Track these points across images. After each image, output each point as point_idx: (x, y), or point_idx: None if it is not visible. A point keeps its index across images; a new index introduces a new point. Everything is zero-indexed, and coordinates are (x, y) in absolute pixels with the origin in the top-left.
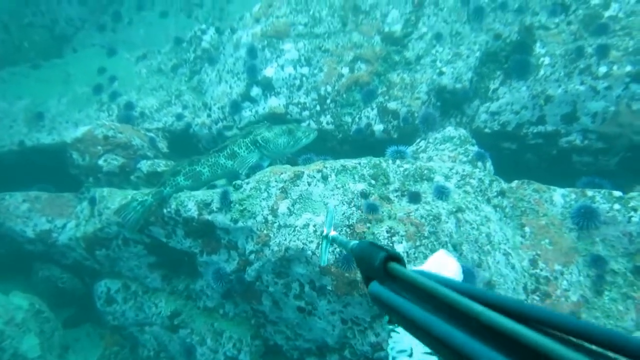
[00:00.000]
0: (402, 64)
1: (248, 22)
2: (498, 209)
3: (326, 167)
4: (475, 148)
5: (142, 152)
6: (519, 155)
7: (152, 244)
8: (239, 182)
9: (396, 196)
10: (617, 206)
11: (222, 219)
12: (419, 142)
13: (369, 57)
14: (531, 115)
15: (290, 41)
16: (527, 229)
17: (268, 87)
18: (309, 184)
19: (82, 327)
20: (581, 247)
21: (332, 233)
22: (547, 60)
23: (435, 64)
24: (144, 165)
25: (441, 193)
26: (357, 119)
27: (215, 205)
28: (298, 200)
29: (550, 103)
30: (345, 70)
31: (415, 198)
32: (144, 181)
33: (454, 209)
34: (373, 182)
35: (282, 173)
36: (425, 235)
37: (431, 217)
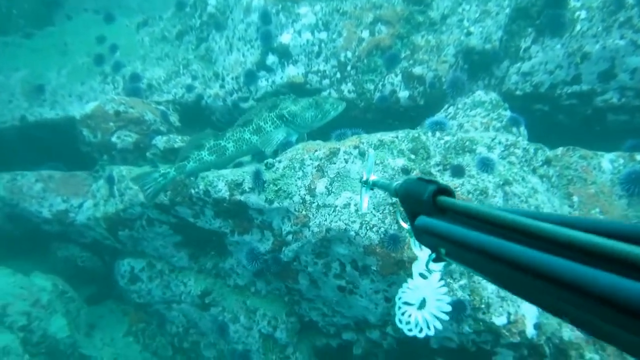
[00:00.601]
0: (426, 25)
1: None
2: (544, 179)
3: (362, 143)
4: (509, 113)
5: (155, 127)
6: (551, 117)
7: (178, 224)
8: (270, 160)
9: (438, 170)
10: None
11: (255, 199)
12: (447, 108)
13: (390, 18)
14: (566, 75)
15: (306, 4)
16: (575, 198)
17: (285, 55)
18: (346, 161)
19: (104, 304)
20: (632, 214)
21: (372, 177)
22: (583, 14)
23: (462, 23)
24: (160, 142)
25: (485, 165)
26: (380, 86)
27: (247, 185)
28: (336, 179)
29: (587, 60)
30: (366, 34)
31: (458, 172)
32: (160, 158)
33: (501, 182)
34: (413, 156)
35: (316, 150)
36: None
37: (478, 191)
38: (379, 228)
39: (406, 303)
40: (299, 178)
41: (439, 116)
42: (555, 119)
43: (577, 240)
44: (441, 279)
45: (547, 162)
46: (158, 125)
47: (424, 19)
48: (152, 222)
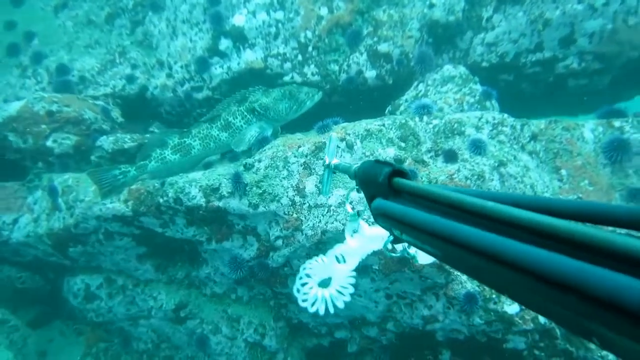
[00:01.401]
0: None
1: None
2: (533, 155)
3: (349, 134)
4: (479, 86)
5: (96, 125)
6: (515, 87)
7: (142, 235)
8: (249, 160)
9: (430, 157)
10: None
11: (236, 204)
12: (417, 85)
13: None
14: (529, 43)
15: None
16: (563, 171)
17: (240, 39)
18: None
19: (52, 326)
20: (616, 182)
21: (335, 161)
22: None
23: None
24: (106, 142)
25: (477, 147)
26: (345, 67)
27: (225, 190)
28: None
29: (549, 27)
30: (324, 11)
31: (451, 157)
32: (107, 160)
33: (496, 164)
34: (403, 144)
35: (299, 146)
36: None
37: (475, 176)
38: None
39: (308, 276)
40: (284, 178)
41: (425, 100)
42: (519, 88)
43: (521, 219)
44: (354, 269)
45: (534, 137)
46: (100, 123)
47: None
48: (110, 235)
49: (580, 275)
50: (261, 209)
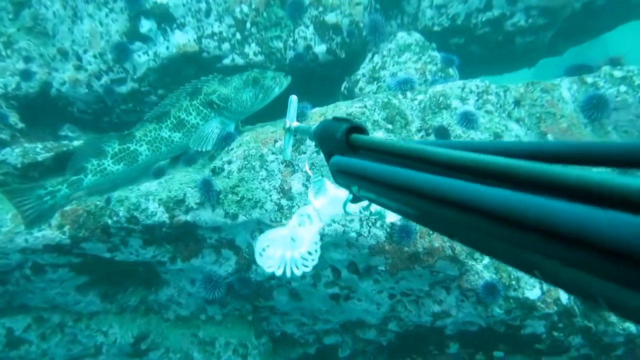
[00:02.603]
0: None
1: None
2: (520, 122)
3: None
4: (437, 53)
5: None
6: (465, 49)
7: (83, 262)
8: (218, 163)
9: (421, 136)
10: (623, 88)
11: (209, 216)
12: (372, 57)
13: None
14: (479, 2)
15: None
16: (549, 136)
17: (165, 19)
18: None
19: None
20: (597, 140)
21: (295, 124)
22: None
23: None
24: (12, 156)
25: (468, 121)
26: (291, 43)
27: (193, 201)
28: (312, 171)
29: None
30: None
31: (443, 134)
32: (17, 178)
33: (491, 137)
34: (390, 126)
35: (275, 141)
36: None
37: None
38: (383, 221)
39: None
40: (263, 179)
41: (407, 75)
42: (469, 51)
43: (470, 162)
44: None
45: (517, 103)
46: None
47: None
48: (41, 268)
49: (524, 207)
50: (241, 218)
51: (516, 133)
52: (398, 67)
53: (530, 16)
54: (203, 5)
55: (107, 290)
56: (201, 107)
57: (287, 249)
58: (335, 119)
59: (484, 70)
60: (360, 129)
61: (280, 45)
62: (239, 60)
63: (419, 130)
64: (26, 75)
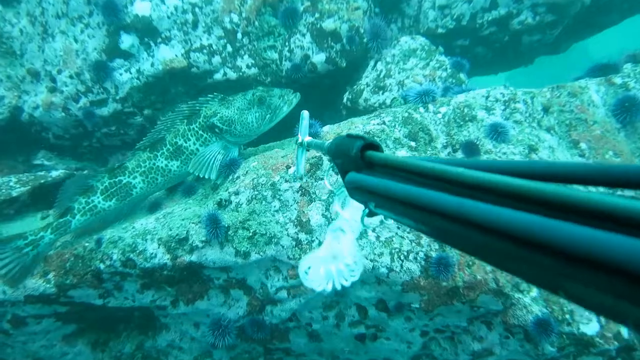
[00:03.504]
0: None
1: None
2: (552, 131)
3: None
4: (445, 57)
5: None
6: (469, 51)
7: (71, 311)
8: (223, 195)
9: (448, 153)
10: None
11: (217, 256)
12: (375, 65)
13: None
14: (484, 1)
15: None
16: (582, 145)
17: (149, 33)
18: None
19: None
20: (632, 146)
21: (307, 139)
22: None
23: None
24: None
25: (498, 133)
26: (286, 53)
27: (197, 239)
28: (332, 200)
29: None
30: None
31: (472, 150)
32: None
33: (526, 150)
34: (413, 143)
35: (287, 166)
36: None
37: None
38: (417, 253)
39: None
40: (277, 211)
41: (427, 85)
42: (473, 53)
43: (488, 183)
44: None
45: (545, 110)
46: None
47: None
48: (22, 321)
49: (553, 233)
50: (254, 256)
51: (549, 143)
52: (405, 75)
53: (538, 13)
54: (189, 17)
55: (98, 337)
56: (201, 132)
57: (330, 264)
58: (349, 135)
59: (484, 71)
60: (375, 146)
61: (275, 56)
62: (232, 75)
63: (445, 147)
64: None
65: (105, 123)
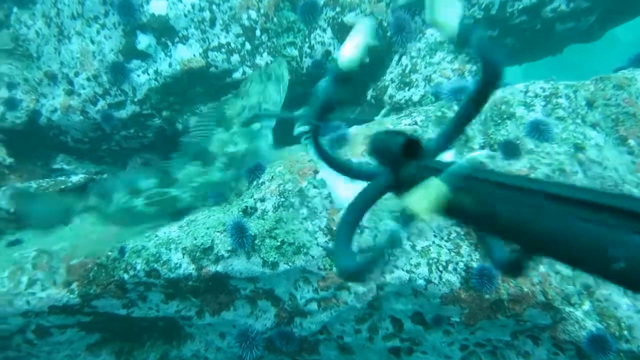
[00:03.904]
0: None
1: None
2: (597, 128)
3: None
4: None
5: None
6: (498, 42)
7: (95, 321)
8: (249, 202)
9: (486, 154)
10: None
11: (244, 266)
12: (400, 60)
13: None
14: None
15: None
16: (631, 141)
17: (166, 32)
18: None
19: None
20: None
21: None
22: None
23: None
24: (3, 199)
25: (540, 132)
26: (307, 49)
27: (223, 248)
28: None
29: None
30: None
31: (512, 150)
32: (10, 223)
33: (572, 149)
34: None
35: (315, 171)
36: None
37: (557, 172)
38: (456, 264)
39: None
40: (305, 219)
41: (459, 81)
42: (503, 43)
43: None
44: None
45: (590, 104)
46: None
47: None
48: (46, 331)
49: None
50: (282, 267)
51: (595, 141)
52: (432, 69)
53: (572, 0)
54: (207, 14)
55: (122, 347)
56: (243, 131)
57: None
58: (388, 131)
59: (509, 62)
60: (416, 142)
61: (295, 52)
62: (251, 73)
63: (482, 147)
64: (11, 104)
65: (123, 126)
